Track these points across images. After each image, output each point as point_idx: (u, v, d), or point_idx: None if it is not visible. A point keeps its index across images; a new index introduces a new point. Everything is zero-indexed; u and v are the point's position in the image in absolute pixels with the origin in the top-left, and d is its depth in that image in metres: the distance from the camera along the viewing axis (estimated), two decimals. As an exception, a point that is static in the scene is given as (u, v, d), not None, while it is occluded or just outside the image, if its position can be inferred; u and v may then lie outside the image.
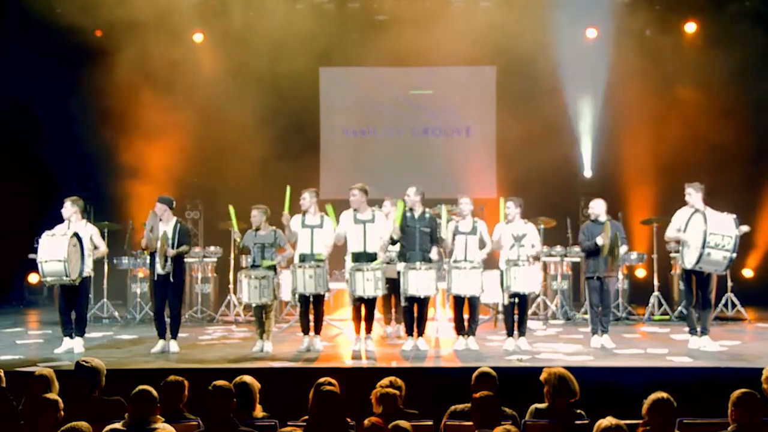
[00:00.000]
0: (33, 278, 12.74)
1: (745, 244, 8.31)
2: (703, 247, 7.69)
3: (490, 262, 8.64)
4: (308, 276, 7.95)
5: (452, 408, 5.09)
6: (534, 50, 12.12)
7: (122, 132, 12.44)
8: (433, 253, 8.36)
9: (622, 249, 8.42)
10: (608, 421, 4.13)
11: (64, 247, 7.79)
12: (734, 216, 7.87)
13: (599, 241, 8.28)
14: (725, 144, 11.68)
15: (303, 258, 8.18)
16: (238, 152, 12.17)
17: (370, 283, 7.89)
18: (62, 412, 4.51)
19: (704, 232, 7.69)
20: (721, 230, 7.73)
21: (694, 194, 8.18)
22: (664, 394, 4.42)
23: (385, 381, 5.13)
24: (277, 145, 12.55)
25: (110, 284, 11.45)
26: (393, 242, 8.29)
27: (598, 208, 8.55)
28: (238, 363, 7.44)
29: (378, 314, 9.02)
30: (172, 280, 8.11)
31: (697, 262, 7.83)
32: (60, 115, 12.34)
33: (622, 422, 4.14)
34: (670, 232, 8.39)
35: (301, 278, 7.97)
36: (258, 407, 5.10)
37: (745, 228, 7.98)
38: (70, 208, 8.27)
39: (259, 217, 8.32)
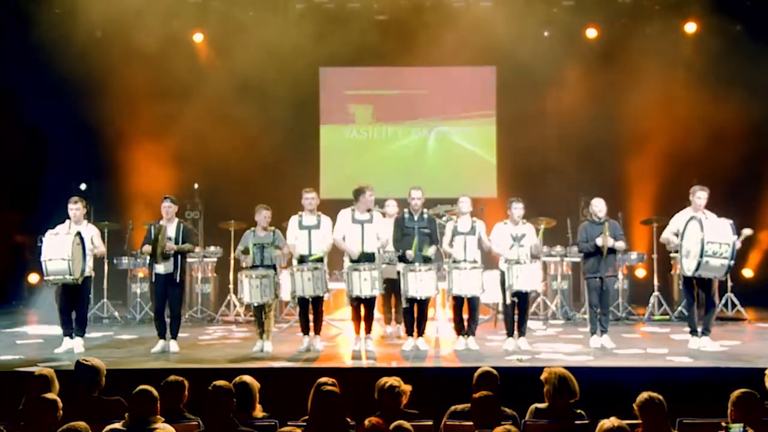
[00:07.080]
0: (33, 278, 12.72)
1: (745, 244, 8.27)
2: (701, 255, 7.66)
3: (490, 262, 8.63)
4: (306, 279, 7.94)
5: (452, 408, 5.09)
6: (534, 50, 12.10)
7: (122, 131, 12.44)
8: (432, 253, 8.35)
9: (618, 244, 8.41)
10: (611, 421, 4.13)
11: (68, 245, 7.78)
12: (731, 222, 7.84)
13: (599, 242, 8.29)
14: (726, 144, 11.66)
15: (301, 259, 8.17)
16: (238, 152, 12.16)
17: (366, 283, 7.88)
18: (61, 412, 4.51)
19: (702, 240, 7.65)
20: (718, 238, 7.69)
21: (704, 198, 8.17)
22: (651, 394, 4.43)
23: (391, 381, 5.05)
24: (277, 144, 12.55)
25: (110, 284, 11.43)
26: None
27: (600, 206, 8.54)
28: (238, 363, 7.43)
29: (378, 314, 9.01)
30: (177, 279, 8.12)
31: (696, 269, 7.80)
32: (61, 116, 12.32)
33: (625, 422, 4.14)
34: (667, 234, 8.40)
35: (300, 281, 7.96)
36: (258, 407, 5.10)
37: (747, 231, 7.96)
38: (82, 208, 8.29)
39: (269, 218, 8.32)
